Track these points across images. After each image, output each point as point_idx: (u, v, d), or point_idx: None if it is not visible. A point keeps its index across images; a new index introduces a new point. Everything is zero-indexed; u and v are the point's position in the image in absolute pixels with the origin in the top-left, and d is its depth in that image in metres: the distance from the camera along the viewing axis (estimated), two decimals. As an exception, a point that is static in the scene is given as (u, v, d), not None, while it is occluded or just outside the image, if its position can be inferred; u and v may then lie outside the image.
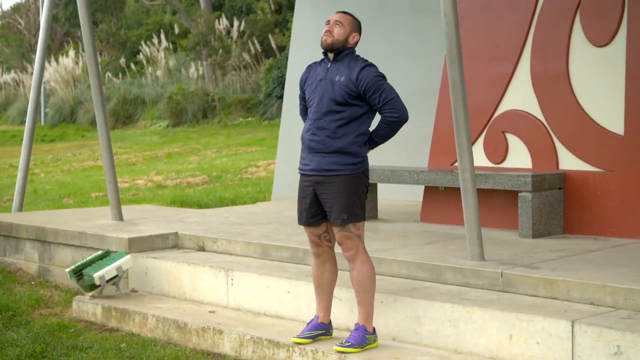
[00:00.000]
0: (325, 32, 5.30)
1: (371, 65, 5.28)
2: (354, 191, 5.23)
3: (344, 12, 5.38)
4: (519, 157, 7.73)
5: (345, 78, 5.23)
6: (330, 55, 5.35)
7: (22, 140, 9.52)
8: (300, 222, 5.43)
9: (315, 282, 5.53)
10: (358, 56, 5.35)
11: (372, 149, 5.38)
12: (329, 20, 5.34)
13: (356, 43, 5.37)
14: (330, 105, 5.24)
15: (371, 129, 5.36)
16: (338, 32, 5.29)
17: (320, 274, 5.49)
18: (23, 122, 27.17)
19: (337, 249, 5.46)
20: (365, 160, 5.29)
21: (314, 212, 5.34)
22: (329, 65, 5.35)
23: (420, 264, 6.10)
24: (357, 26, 5.38)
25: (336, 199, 5.21)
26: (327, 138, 5.23)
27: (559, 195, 7.34)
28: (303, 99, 5.54)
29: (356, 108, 5.24)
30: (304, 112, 5.56)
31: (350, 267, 5.33)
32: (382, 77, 5.24)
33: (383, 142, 5.35)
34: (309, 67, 5.50)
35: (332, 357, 5.23)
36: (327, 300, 5.52)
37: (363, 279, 5.29)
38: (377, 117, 5.37)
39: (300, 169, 5.39)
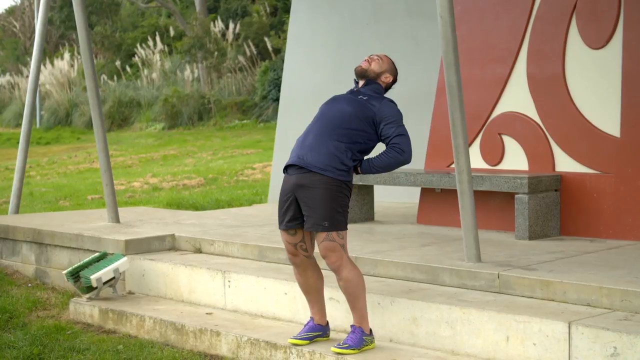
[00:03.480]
0: (364, 60, 5.50)
1: (395, 103, 5.40)
2: (335, 199, 5.18)
3: (387, 55, 5.57)
4: (515, 159, 7.74)
5: (367, 99, 5.33)
6: (360, 83, 5.49)
7: (17, 142, 9.54)
8: (280, 225, 5.40)
9: (302, 289, 5.53)
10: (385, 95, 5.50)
11: (361, 172, 5.36)
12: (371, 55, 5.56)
13: (387, 85, 5.51)
14: (339, 115, 5.27)
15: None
16: (375, 65, 5.48)
17: (304, 281, 5.48)
18: (18, 125, 27.23)
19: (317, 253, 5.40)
20: (350, 172, 5.26)
21: (293, 215, 5.29)
22: (355, 89, 5.47)
23: (417, 265, 6.11)
24: (393, 70, 5.54)
25: (317, 203, 5.16)
26: (323, 138, 5.23)
27: (555, 197, 7.36)
28: None
29: (361, 126, 5.25)
30: None
31: (337, 278, 5.30)
32: (402, 117, 5.34)
33: (375, 172, 5.34)
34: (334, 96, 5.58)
35: (329, 359, 5.22)
36: (319, 304, 5.52)
37: (351, 287, 5.27)
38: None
39: (285, 164, 5.35)
